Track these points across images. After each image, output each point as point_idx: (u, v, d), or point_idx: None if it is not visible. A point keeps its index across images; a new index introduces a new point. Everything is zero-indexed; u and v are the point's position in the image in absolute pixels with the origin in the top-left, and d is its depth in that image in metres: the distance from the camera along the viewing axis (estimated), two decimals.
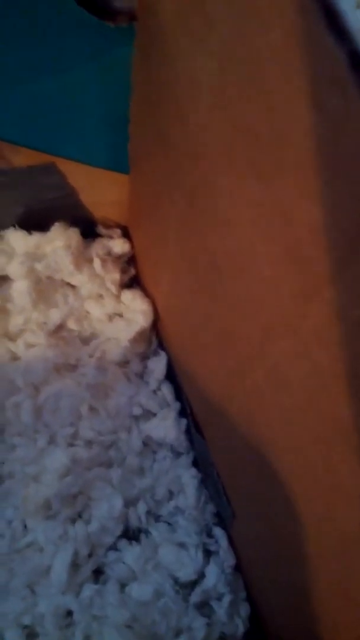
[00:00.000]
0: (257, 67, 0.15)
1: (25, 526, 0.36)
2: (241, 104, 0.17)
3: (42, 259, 0.36)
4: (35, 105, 0.29)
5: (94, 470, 0.36)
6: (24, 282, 0.36)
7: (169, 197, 0.26)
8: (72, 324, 0.37)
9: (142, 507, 0.36)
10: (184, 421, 0.37)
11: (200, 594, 0.34)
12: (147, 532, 0.36)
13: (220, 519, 0.36)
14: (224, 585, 0.35)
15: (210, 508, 0.36)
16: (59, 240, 0.36)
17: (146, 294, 0.38)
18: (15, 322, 0.37)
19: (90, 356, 0.37)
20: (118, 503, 0.35)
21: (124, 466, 0.37)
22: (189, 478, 0.36)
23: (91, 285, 0.37)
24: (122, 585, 0.34)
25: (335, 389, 0.17)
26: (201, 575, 0.35)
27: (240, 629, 0.34)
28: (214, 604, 0.35)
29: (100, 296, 0.38)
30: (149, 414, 0.38)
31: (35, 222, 0.36)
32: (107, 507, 0.35)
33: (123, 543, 0.36)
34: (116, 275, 0.38)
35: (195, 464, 0.37)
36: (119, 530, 0.35)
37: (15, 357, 0.37)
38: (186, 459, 0.37)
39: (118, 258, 0.39)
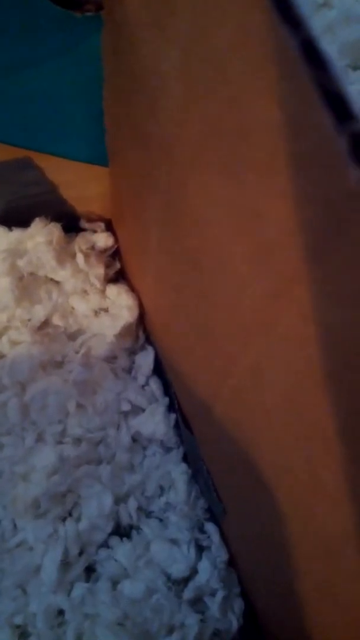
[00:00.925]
0: (218, 59, 0.15)
1: (15, 526, 0.35)
2: (206, 98, 0.16)
3: (23, 255, 0.36)
4: (9, 101, 0.29)
5: (83, 467, 0.35)
6: (6, 279, 0.35)
7: (147, 192, 0.25)
8: (57, 320, 0.37)
9: (132, 504, 0.36)
10: (173, 416, 0.37)
11: (193, 590, 0.34)
12: (138, 529, 0.36)
13: (212, 514, 0.36)
14: (217, 580, 0.34)
15: (202, 503, 0.36)
16: (39, 236, 0.35)
17: (132, 288, 0.38)
18: None
19: (76, 352, 0.36)
20: (108, 500, 0.35)
21: (113, 463, 0.36)
22: (179, 473, 0.36)
23: (75, 280, 0.37)
24: (114, 583, 0.34)
25: (311, 389, 0.16)
26: (194, 571, 0.35)
27: (234, 624, 0.34)
28: (207, 600, 0.34)
29: (85, 291, 0.37)
30: (137, 410, 0.37)
31: (17, 218, 0.36)
32: (96, 505, 0.35)
33: (114, 540, 0.35)
34: (100, 270, 0.37)
35: (186, 459, 0.37)
36: (109, 528, 0.35)
37: (0, 355, 0.36)
38: (176, 454, 0.37)
39: (102, 252, 0.38)
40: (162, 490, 0.37)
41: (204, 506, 0.36)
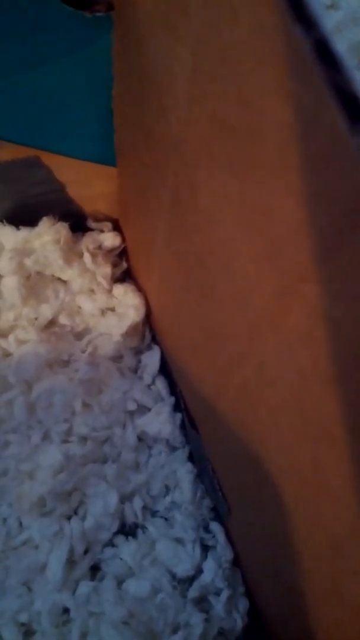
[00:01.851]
0: (229, 59, 0.15)
1: (20, 524, 0.35)
2: (216, 98, 0.16)
3: (31, 254, 0.36)
4: (18, 100, 0.29)
5: (89, 466, 0.35)
6: (14, 278, 0.35)
7: (155, 191, 0.26)
8: (63, 319, 0.37)
9: (138, 503, 0.36)
10: (178, 415, 0.37)
11: (198, 589, 0.34)
12: (143, 528, 0.36)
13: (217, 514, 0.36)
14: (221, 580, 0.34)
15: (207, 503, 0.36)
16: (47, 235, 0.36)
17: (138, 287, 0.38)
18: (6, 318, 0.36)
19: (83, 351, 0.36)
20: (113, 499, 0.35)
21: (119, 462, 0.36)
22: (184, 473, 0.36)
23: (82, 280, 0.37)
24: (119, 582, 0.34)
25: (318, 389, 0.16)
26: (199, 571, 0.35)
27: (239, 624, 0.34)
28: (212, 599, 0.35)
29: (92, 291, 0.37)
30: (143, 409, 0.37)
31: (24, 217, 0.36)
32: (102, 503, 0.35)
33: (120, 539, 0.35)
34: (107, 270, 0.37)
35: (191, 458, 0.37)
36: (115, 526, 0.35)
37: (6, 354, 0.36)
38: (182, 454, 0.37)
39: (109, 252, 0.38)
40: (167, 489, 0.37)
41: (209, 505, 0.36)
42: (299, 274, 0.15)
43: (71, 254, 0.37)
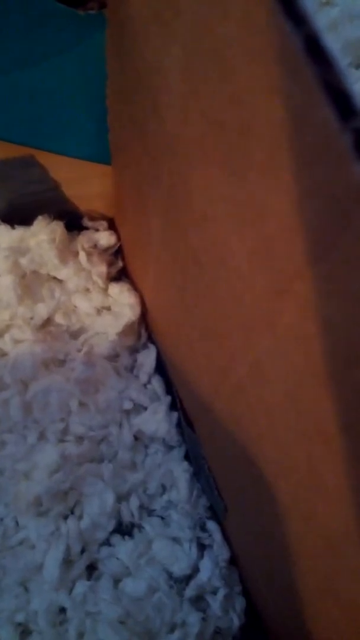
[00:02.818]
0: (220, 56, 0.15)
1: (17, 523, 0.35)
2: (208, 95, 0.16)
3: (26, 253, 0.36)
4: (12, 99, 0.28)
5: (85, 465, 0.35)
6: (9, 277, 0.35)
7: (150, 190, 0.25)
8: (59, 319, 0.37)
9: (134, 502, 0.36)
10: (175, 414, 0.37)
11: (195, 588, 0.34)
12: (140, 527, 0.36)
13: (214, 513, 0.36)
14: (218, 579, 0.34)
15: (203, 502, 0.36)
16: (42, 234, 0.35)
17: (134, 286, 0.38)
18: (2, 317, 0.36)
19: (79, 351, 0.36)
20: (110, 498, 0.35)
21: (115, 461, 0.36)
22: (181, 472, 0.36)
23: (77, 278, 0.37)
24: (116, 581, 0.34)
25: (312, 387, 0.16)
26: (195, 570, 0.35)
27: (236, 623, 0.34)
28: (208, 598, 0.34)
29: (88, 290, 0.37)
30: (139, 408, 0.37)
31: (19, 216, 0.36)
32: (98, 503, 0.35)
33: (116, 538, 0.35)
34: (103, 269, 0.37)
35: (187, 457, 0.37)
36: (111, 526, 0.35)
37: (2, 353, 0.36)
38: (178, 453, 0.37)
39: (104, 251, 0.38)
40: (164, 488, 0.37)
41: (205, 504, 0.36)
42: (292, 272, 0.15)
43: (66, 253, 0.36)
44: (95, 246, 0.37)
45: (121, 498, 0.36)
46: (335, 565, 0.19)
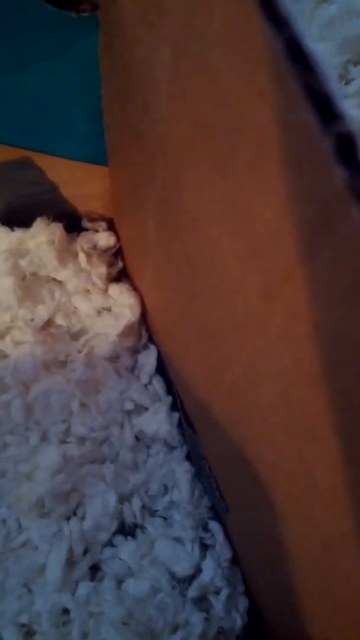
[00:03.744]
0: (207, 58, 0.14)
1: (19, 525, 0.35)
2: (196, 96, 0.16)
3: (25, 255, 0.36)
4: (8, 102, 0.29)
5: (87, 466, 0.35)
6: (9, 279, 0.35)
7: (145, 190, 0.25)
8: (60, 320, 0.37)
9: (136, 503, 0.36)
10: (176, 415, 0.37)
11: (198, 588, 0.34)
12: (142, 528, 0.36)
13: (216, 513, 0.36)
14: (221, 579, 0.34)
15: (205, 502, 0.36)
16: (41, 236, 0.35)
17: (134, 287, 0.38)
18: (2, 319, 0.36)
19: (80, 352, 0.36)
20: (112, 499, 0.35)
21: (117, 462, 0.36)
22: (182, 472, 0.36)
23: (77, 280, 0.37)
24: (119, 582, 0.34)
25: (303, 389, 0.16)
26: (198, 570, 0.35)
27: (238, 622, 0.34)
28: (211, 598, 0.34)
29: (88, 291, 0.37)
30: (140, 409, 0.37)
31: (18, 218, 0.36)
32: (101, 504, 0.35)
33: (119, 539, 0.35)
34: (102, 270, 0.37)
35: (189, 457, 0.37)
36: (114, 527, 0.35)
37: (3, 355, 0.36)
38: (179, 453, 0.37)
39: (104, 251, 0.38)
40: (166, 489, 0.37)
41: (207, 504, 0.36)
42: (281, 274, 0.15)
43: (66, 254, 0.36)
44: (94, 247, 0.37)
45: (123, 499, 0.36)
46: (331, 566, 0.19)
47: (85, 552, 0.35)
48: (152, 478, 0.36)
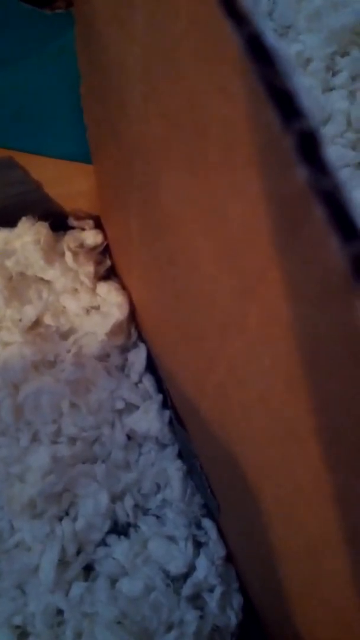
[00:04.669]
0: (174, 55, 0.14)
1: (12, 526, 0.35)
2: (166, 95, 0.16)
3: (11, 255, 0.35)
4: None
5: (78, 466, 0.35)
6: None
7: (126, 189, 0.25)
8: (48, 320, 0.37)
9: (129, 502, 0.36)
10: (167, 413, 0.36)
11: (192, 586, 0.34)
12: (135, 527, 0.36)
13: (209, 510, 0.36)
14: (215, 576, 0.34)
15: (198, 499, 0.36)
16: (27, 235, 0.35)
17: (122, 285, 0.37)
18: None
19: (69, 351, 0.36)
20: (104, 499, 0.35)
21: (108, 461, 0.36)
22: (174, 470, 0.36)
23: (65, 279, 0.36)
24: (113, 581, 0.34)
25: (283, 389, 0.16)
26: (192, 568, 0.35)
27: (233, 620, 0.34)
28: (205, 596, 0.34)
29: (76, 290, 0.37)
30: (131, 407, 0.37)
31: (3, 218, 0.35)
32: (93, 504, 0.35)
33: (112, 538, 0.35)
34: (90, 268, 0.37)
35: (181, 455, 0.37)
36: (106, 526, 0.35)
37: None
38: (171, 451, 0.36)
39: (91, 250, 0.38)
40: (158, 487, 0.36)
41: (200, 502, 0.36)
42: (254, 275, 0.15)
43: (52, 254, 0.36)
44: (81, 245, 0.37)
45: (116, 498, 0.36)
46: (316, 566, 0.19)
47: (79, 552, 0.34)
48: (144, 477, 0.36)
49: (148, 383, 0.37)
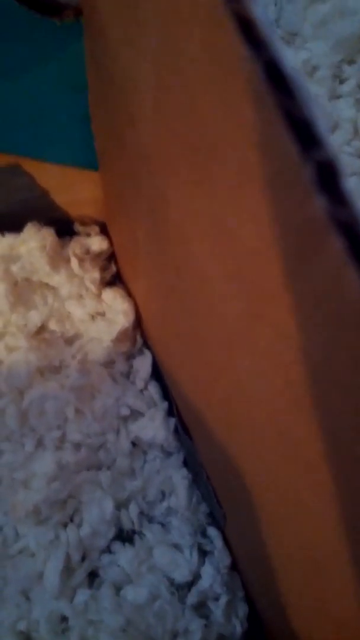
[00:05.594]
0: (186, 75, 0.14)
1: (16, 532, 0.35)
2: (177, 113, 0.15)
3: (17, 261, 0.35)
4: None
5: (83, 473, 0.35)
6: (1, 285, 0.35)
7: (133, 199, 0.25)
8: (53, 325, 0.36)
9: (134, 509, 0.35)
10: (172, 420, 0.36)
11: (197, 595, 0.34)
12: (140, 534, 0.36)
13: (214, 519, 0.36)
14: (220, 585, 0.34)
15: (203, 508, 0.36)
16: (33, 241, 0.35)
17: (128, 291, 0.37)
18: None
19: (74, 357, 0.36)
20: (109, 506, 0.35)
21: (113, 468, 0.36)
22: (180, 478, 0.35)
23: (70, 285, 0.36)
24: (117, 589, 0.34)
25: (292, 410, 0.16)
26: (197, 576, 0.34)
27: (238, 629, 0.34)
28: (211, 604, 0.34)
29: (81, 296, 0.37)
30: (137, 414, 0.37)
31: (9, 224, 0.35)
32: (97, 510, 0.35)
33: (117, 546, 0.35)
34: (95, 274, 0.36)
35: (186, 463, 0.36)
36: (111, 533, 0.35)
37: None
38: (177, 459, 0.36)
39: (97, 256, 0.37)
40: (163, 495, 0.36)
41: (205, 510, 0.36)
42: (265, 297, 0.14)
43: (58, 260, 0.36)
44: (87, 252, 0.37)
45: (120, 505, 0.35)
46: (324, 585, 0.19)
47: (83, 559, 0.34)
48: (149, 484, 0.36)
49: (153, 390, 0.37)
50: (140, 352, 0.38)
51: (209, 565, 0.35)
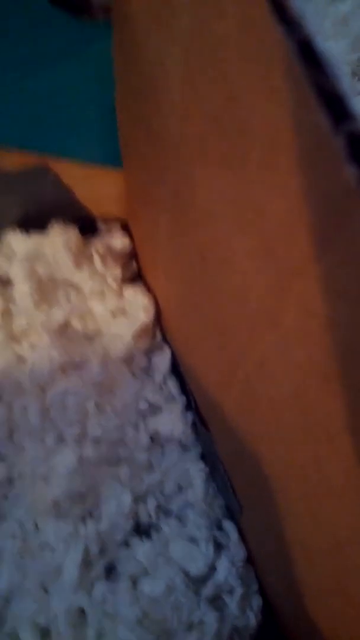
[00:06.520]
0: (216, 56, 0.15)
1: (36, 526, 0.35)
2: (206, 93, 0.16)
3: (42, 259, 0.36)
4: (23, 106, 0.29)
5: (103, 467, 0.36)
6: (26, 284, 0.36)
7: (157, 186, 0.26)
8: (75, 323, 0.37)
9: (151, 503, 0.36)
10: (190, 414, 0.37)
11: (212, 587, 0.34)
12: (157, 528, 0.36)
13: (230, 512, 0.36)
14: (235, 578, 0.34)
15: (220, 501, 0.36)
16: (57, 240, 0.36)
17: (148, 287, 0.38)
18: (19, 323, 0.36)
19: (95, 353, 0.37)
20: (127, 499, 0.35)
21: (132, 462, 0.36)
22: (196, 472, 0.36)
23: (92, 282, 0.37)
24: (134, 582, 0.34)
25: (317, 387, 0.16)
26: (212, 569, 0.35)
27: (252, 621, 0.34)
28: (225, 597, 0.34)
29: (103, 293, 0.37)
30: (155, 409, 0.37)
31: (34, 223, 0.36)
32: (116, 504, 0.35)
33: (134, 539, 0.35)
34: (117, 272, 0.37)
35: (203, 457, 0.37)
36: (129, 527, 0.35)
37: (21, 359, 0.36)
38: (194, 453, 0.37)
39: (119, 253, 0.38)
40: (180, 488, 0.37)
41: (221, 504, 0.36)
42: (292, 271, 0.15)
43: (81, 257, 0.37)
44: (109, 249, 0.38)
45: (138, 499, 0.36)
46: (344, 563, 0.19)
47: (101, 552, 0.35)
48: (166, 478, 0.36)
49: (172, 385, 0.37)
50: (159, 348, 0.38)
51: (225, 558, 0.35)
